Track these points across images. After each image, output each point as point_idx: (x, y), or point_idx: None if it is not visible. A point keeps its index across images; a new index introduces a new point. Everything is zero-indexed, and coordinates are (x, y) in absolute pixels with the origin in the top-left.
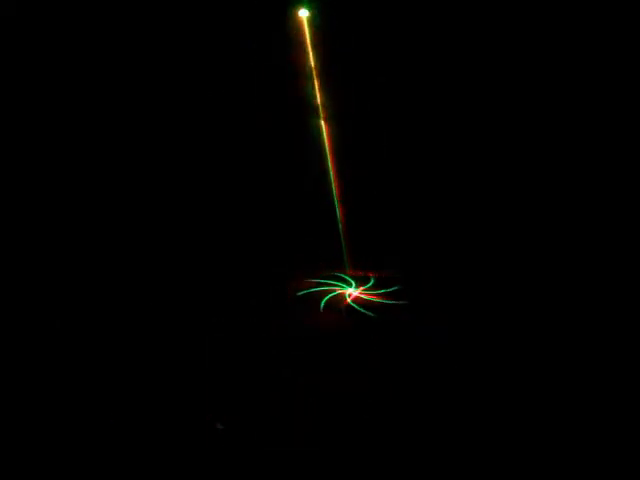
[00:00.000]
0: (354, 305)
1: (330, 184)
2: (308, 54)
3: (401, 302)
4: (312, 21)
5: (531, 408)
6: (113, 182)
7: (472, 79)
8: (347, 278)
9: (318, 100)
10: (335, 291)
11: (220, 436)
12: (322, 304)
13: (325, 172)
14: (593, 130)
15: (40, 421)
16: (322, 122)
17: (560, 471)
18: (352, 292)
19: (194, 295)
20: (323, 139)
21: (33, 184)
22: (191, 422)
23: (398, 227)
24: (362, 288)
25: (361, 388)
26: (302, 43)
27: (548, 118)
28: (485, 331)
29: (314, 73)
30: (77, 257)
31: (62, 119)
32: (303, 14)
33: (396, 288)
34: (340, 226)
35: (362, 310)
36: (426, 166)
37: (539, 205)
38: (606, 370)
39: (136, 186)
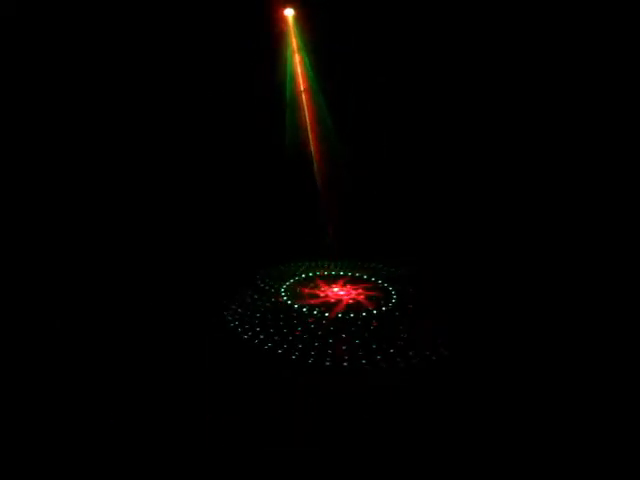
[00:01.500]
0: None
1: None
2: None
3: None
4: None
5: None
6: (103, 180)
7: (471, 78)
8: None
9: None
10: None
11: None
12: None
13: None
14: (586, 130)
15: (39, 421)
16: (303, 95)
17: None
18: (339, 291)
19: (191, 293)
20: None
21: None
22: (191, 422)
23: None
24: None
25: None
26: (287, 41)
27: (546, 119)
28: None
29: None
30: (71, 258)
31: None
32: (289, 13)
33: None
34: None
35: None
36: (424, 165)
37: (535, 203)
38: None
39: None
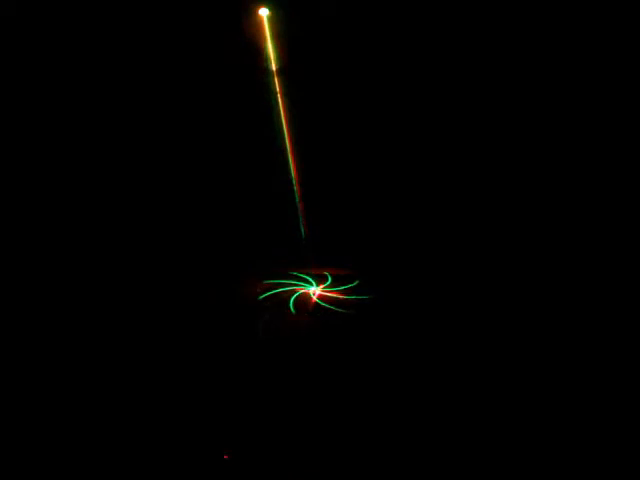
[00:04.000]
0: (321, 303)
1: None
2: (269, 53)
3: (366, 297)
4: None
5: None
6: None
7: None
8: (304, 277)
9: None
10: (297, 291)
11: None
12: (291, 306)
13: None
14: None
15: (40, 421)
16: (278, 96)
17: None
18: (315, 290)
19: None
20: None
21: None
22: (190, 422)
23: (359, 225)
24: (323, 286)
25: (350, 387)
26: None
27: (546, 121)
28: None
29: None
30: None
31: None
32: (263, 13)
33: (357, 283)
34: (301, 223)
35: (332, 307)
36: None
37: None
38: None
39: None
